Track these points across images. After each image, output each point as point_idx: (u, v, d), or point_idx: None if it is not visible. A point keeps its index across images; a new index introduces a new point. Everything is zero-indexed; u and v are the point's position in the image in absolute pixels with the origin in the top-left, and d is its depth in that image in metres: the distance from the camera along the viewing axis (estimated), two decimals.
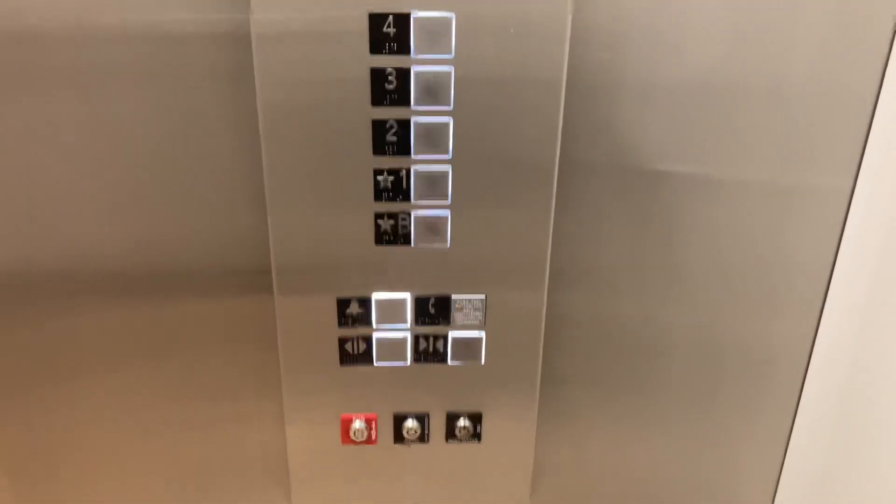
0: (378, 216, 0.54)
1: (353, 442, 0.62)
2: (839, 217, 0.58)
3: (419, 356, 0.60)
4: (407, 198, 0.54)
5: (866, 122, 0.55)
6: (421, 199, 0.54)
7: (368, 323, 0.58)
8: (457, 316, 0.58)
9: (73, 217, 0.55)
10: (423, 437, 0.63)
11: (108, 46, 0.50)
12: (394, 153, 0.52)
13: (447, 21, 0.48)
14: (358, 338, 0.59)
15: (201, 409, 0.63)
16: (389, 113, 0.51)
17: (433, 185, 0.53)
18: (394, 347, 0.59)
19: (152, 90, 0.51)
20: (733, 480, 0.69)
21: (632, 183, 0.56)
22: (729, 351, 0.63)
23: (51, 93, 0.51)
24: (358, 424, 0.62)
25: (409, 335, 0.59)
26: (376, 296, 0.57)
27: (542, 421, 0.63)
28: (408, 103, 0.51)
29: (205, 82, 0.51)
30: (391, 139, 0.52)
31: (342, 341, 0.59)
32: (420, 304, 0.58)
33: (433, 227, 0.55)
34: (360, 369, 0.60)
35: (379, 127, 0.51)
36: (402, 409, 0.62)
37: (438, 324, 0.58)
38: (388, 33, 0.48)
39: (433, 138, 0.52)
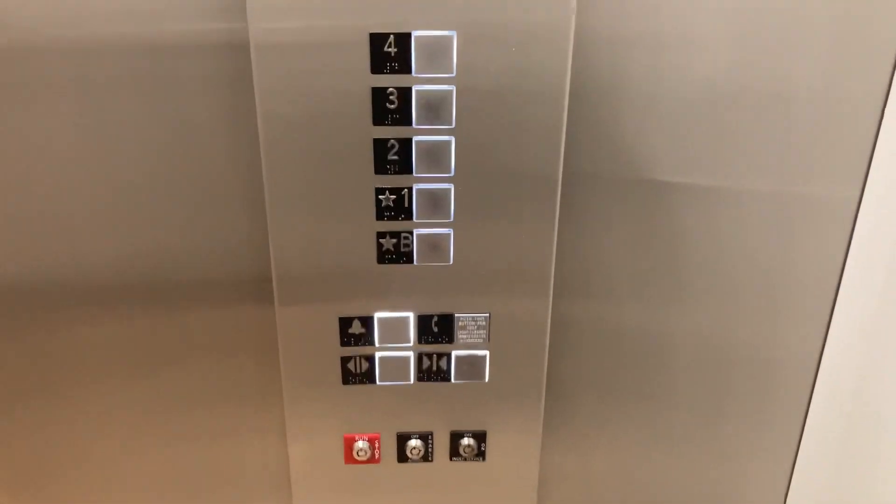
0: (380, 235, 0.54)
1: (357, 461, 0.62)
2: (847, 226, 0.57)
3: (422, 375, 0.59)
4: (409, 216, 0.53)
5: (873, 131, 0.54)
6: (423, 217, 0.53)
7: (371, 342, 0.58)
8: (460, 334, 0.58)
9: (71, 228, 0.55)
10: (426, 457, 0.62)
11: (105, 57, 0.50)
12: (395, 172, 0.52)
13: (448, 40, 0.48)
14: (360, 357, 0.58)
15: (201, 421, 0.63)
16: (391, 132, 0.50)
17: (435, 203, 0.53)
18: (397, 366, 0.59)
19: (149, 100, 0.51)
20: (742, 491, 0.68)
21: (635, 193, 0.56)
22: (736, 361, 0.62)
23: (49, 104, 0.51)
24: (361, 444, 0.61)
25: (412, 354, 0.58)
26: (379, 315, 0.57)
27: (546, 432, 0.63)
28: (409, 122, 0.50)
29: (202, 92, 0.51)
30: (393, 158, 0.51)
31: (344, 360, 0.58)
32: (423, 322, 0.57)
33: (436, 246, 0.54)
34: (363, 388, 0.59)
35: (381, 146, 0.51)
36: (405, 429, 0.61)
37: (441, 342, 0.58)
38: (389, 53, 0.48)
39: (435, 157, 0.52)
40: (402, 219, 0.53)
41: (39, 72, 0.50)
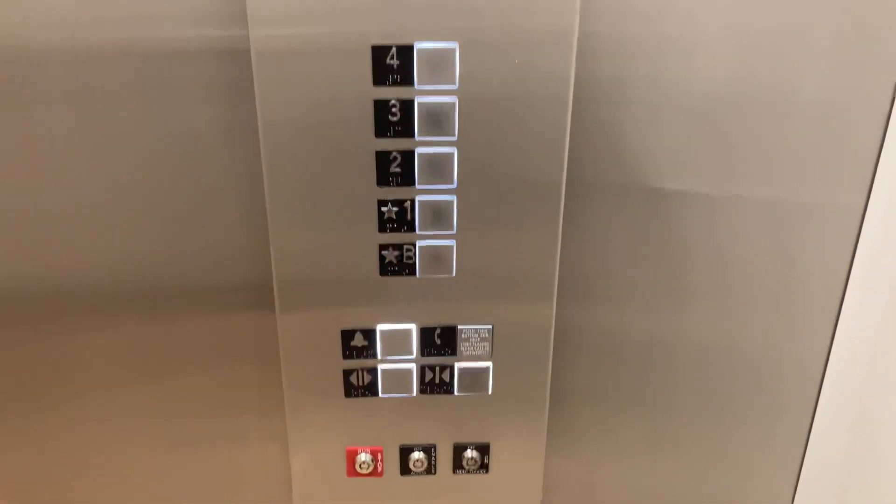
0: (383, 247, 0.53)
1: (360, 474, 0.61)
2: (852, 234, 0.57)
3: (425, 387, 0.59)
4: (412, 228, 0.53)
5: (878, 139, 0.54)
6: (426, 229, 0.53)
7: (373, 354, 0.57)
8: (463, 346, 0.57)
9: (71, 234, 0.55)
10: (430, 469, 0.62)
11: (106, 64, 0.50)
12: (398, 184, 0.51)
13: (451, 51, 0.48)
14: (363, 369, 0.58)
15: (201, 429, 0.63)
16: (393, 144, 0.50)
17: (438, 215, 0.53)
18: (399, 379, 0.58)
19: (149, 107, 0.51)
20: (747, 499, 0.68)
21: (639, 201, 0.56)
22: (740, 369, 0.62)
23: (48, 110, 0.51)
24: (364, 457, 0.61)
25: (414, 366, 0.58)
26: (381, 327, 0.56)
27: (550, 442, 0.63)
28: (412, 134, 0.50)
29: (202, 99, 0.51)
30: (395, 170, 0.51)
31: (347, 373, 0.58)
32: (425, 334, 0.57)
33: (438, 258, 0.54)
34: (366, 401, 0.59)
35: (383, 158, 0.51)
36: (408, 441, 0.61)
37: (444, 354, 0.58)
38: (391, 65, 0.48)
39: (437, 168, 0.51)
40: (405, 230, 0.53)
41: (39, 77, 0.50)
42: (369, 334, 0.57)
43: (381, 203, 0.52)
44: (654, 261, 0.58)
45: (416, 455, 0.61)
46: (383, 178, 0.51)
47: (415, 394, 0.59)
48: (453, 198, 0.52)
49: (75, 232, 0.55)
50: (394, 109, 0.49)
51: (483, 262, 0.54)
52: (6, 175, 0.52)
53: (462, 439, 0.61)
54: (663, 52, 0.51)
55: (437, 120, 0.50)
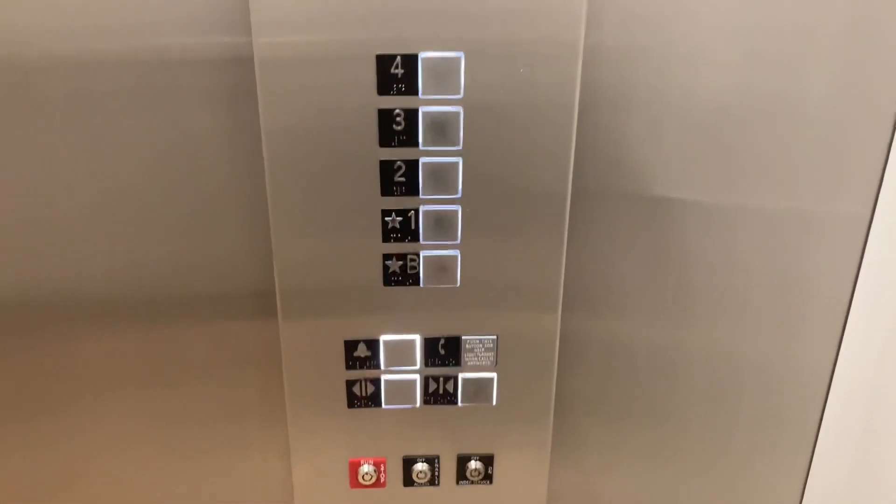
0: (386, 257, 0.53)
1: (362, 485, 0.61)
2: (858, 244, 0.57)
3: (429, 398, 0.58)
4: (416, 238, 0.53)
5: (884, 148, 0.54)
6: (430, 239, 0.53)
7: (377, 365, 0.57)
8: (467, 356, 0.57)
9: (72, 242, 0.54)
10: (433, 481, 0.61)
11: (108, 71, 0.49)
12: (402, 194, 0.51)
13: (456, 61, 0.47)
14: (366, 380, 0.57)
15: (203, 437, 0.62)
16: (397, 154, 0.50)
17: (442, 224, 0.52)
18: (403, 390, 0.58)
19: (151, 114, 0.51)
20: None
21: (643, 210, 0.55)
22: (746, 380, 0.62)
23: (50, 117, 0.50)
24: (367, 468, 0.60)
25: (418, 377, 0.58)
26: (385, 337, 0.56)
27: (554, 452, 0.62)
28: (416, 144, 0.50)
29: (205, 106, 0.51)
30: (399, 180, 0.51)
31: (350, 383, 0.57)
32: (429, 345, 0.56)
33: (443, 268, 0.54)
34: (369, 412, 0.59)
35: (387, 168, 0.50)
36: (411, 452, 0.60)
37: (448, 365, 0.57)
38: (396, 74, 0.47)
39: (442, 178, 0.51)
40: (409, 240, 0.53)
41: (41, 85, 0.50)
42: (372, 345, 0.56)
43: (385, 213, 0.52)
44: (658, 270, 0.57)
45: (420, 466, 0.60)
46: (387, 188, 0.51)
47: (418, 405, 0.58)
48: (457, 207, 0.52)
49: (77, 239, 0.54)
50: (398, 119, 0.49)
51: (487, 272, 0.54)
52: (9, 182, 0.52)
53: (466, 450, 0.61)
54: (668, 62, 0.51)
55: (442, 129, 0.49)
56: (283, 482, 0.64)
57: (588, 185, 0.54)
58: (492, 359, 0.57)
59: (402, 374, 0.57)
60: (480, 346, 0.56)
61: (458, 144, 0.50)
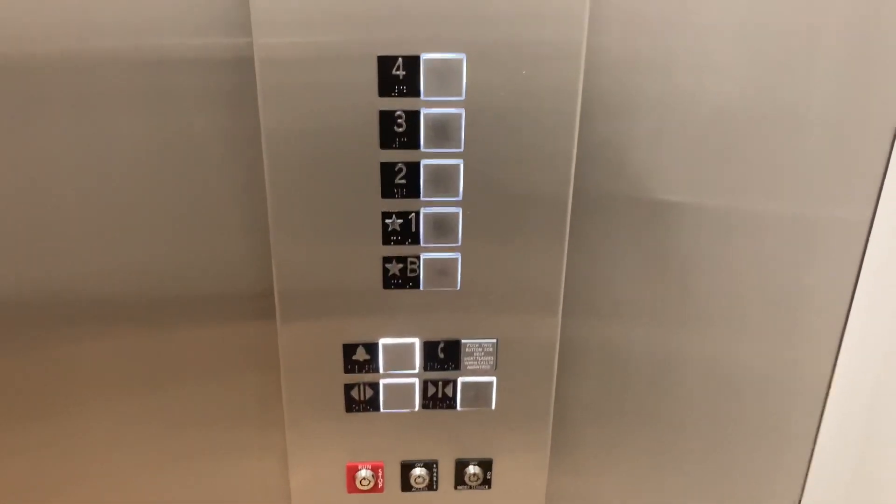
0: (386, 260, 0.53)
1: (360, 490, 0.60)
2: (858, 249, 0.57)
3: (427, 402, 0.58)
4: (416, 241, 0.52)
5: (885, 154, 0.54)
6: (430, 241, 0.52)
7: (375, 369, 0.56)
8: (466, 360, 0.57)
9: (69, 243, 0.54)
10: (431, 485, 0.61)
11: (106, 71, 0.49)
12: (403, 196, 0.51)
13: (458, 63, 0.47)
14: (364, 384, 0.57)
15: (200, 439, 0.62)
16: (398, 156, 0.50)
17: (443, 227, 0.52)
18: (402, 394, 0.57)
19: (149, 114, 0.50)
20: None
21: (645, 214, 0.55)
22: (744, 383, 0.62)
23: (47, 117, 0.50)
24: (364, 472, 0.60)
25: (417, 381, 0.57)
26: (384, 341, 0.56)
27: (553, 457, 0.62)
28: (417, 146, 0.49)
29: (203, 107, 0.50)
30: (400, 182, 0.50)
31: (348, 387, 0.57)
32: (429, 349, 0.56)
33: (443, 271, 0.53)
34: (367, 416, 0.58)
35: (388, 169, 0.50)
36: (409, 457, 0.60)
37: (448, 369, 0.57)
38: (398, 76, 0.47)
39: (443, 180, 0.51)
40: (409, 243, 0.52)
41: (38, 84, 0.49)
42: (371, 348, 0.56)
43: (386, 215, 0.51)
44: (658, 275, 0.57)
45: (418, 471, 0.60)
46: (388, 191, 0.50)
47: (417, 409, 0.58)
48: (458, 210, 0.52)
49: (75, 239, 0.54)
50: (399, 120, 0.48)
51: (487, 276, 0.54)
52: (6, 182, 0.52)
53: (464, 455, 0.60)
54: (670, 67, 0.51)
55: (443, 132, 0.49)
56: (281, 486, 0.63)
57: (590, 189, 0.54)
58: (491, 363, 0.57)
59: (401, 377, 0.57)
60: (480, 349, 0.56)
61: (460, 147, 0.50)
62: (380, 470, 0.60)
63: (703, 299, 0.58)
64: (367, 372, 0.56)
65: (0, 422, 0.60)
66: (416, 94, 0.48)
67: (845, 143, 0.53)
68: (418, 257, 0.53)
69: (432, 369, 0.57)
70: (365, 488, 0.60)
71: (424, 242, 0.52)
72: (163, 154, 0.52)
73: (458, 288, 0.54)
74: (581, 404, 0.62)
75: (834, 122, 0.53)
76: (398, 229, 0.52)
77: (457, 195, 0.51)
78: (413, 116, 0.48)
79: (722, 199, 0.55)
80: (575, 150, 0.50)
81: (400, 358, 0.56)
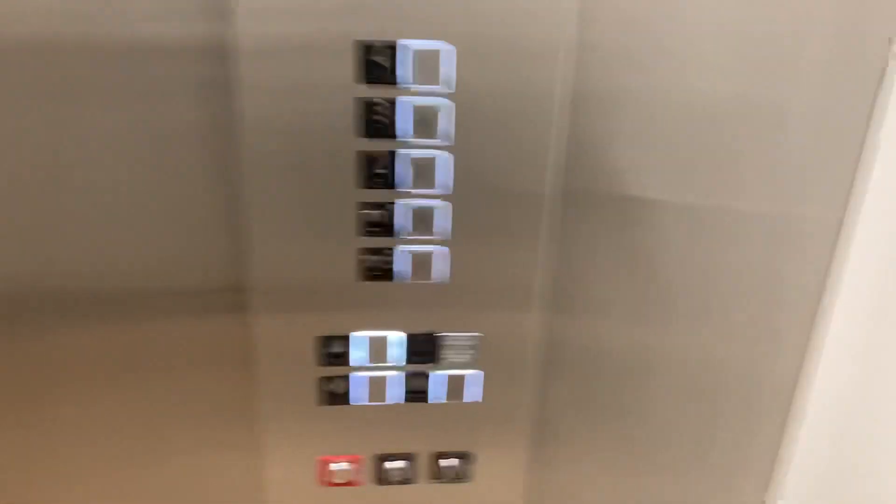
0: (362, 252, 0.52)
1: (336, 484, 0.60)
2: (831, 247, 0.57)
3: (405, 395, 0.57)
4: (392, 233, 0.51)
5: (857, 154, 0.54)
6: (406, 234, 0.52)
7: (350, 362, 0.56)
8: (444, 354, 0.56)
9: (42, 235, 0.52)
10: (408, 479, 0.60)
11: (81, 59, 0.47)
12: (380, 186, 0.50)
13: (438, 52, 0.46)
14: (339, 377, 0.56)
15: (173, 434, 0.60)
16: (377, 145, 0.49)
17: (420, 219, 0.51)
18: (378, 387, 0.57)
19: (124, 105, 0.49)
20: None
21: (626, 212, 0.55)
22: (724, 380, 0.62)
23: (20, 106, 0.48)
24: (340, 466, 0.59)
25: (394, 374, 0.56)
26: (359, 334, 0.55)
27: (532, 449, 0.62)
28: (395, 136, 0.48)
29: (178, 97, 0.49)
30: (378, 172, 0.49)
31: (323, 381, 0.56)
32: (407, 342, 0.55)
33: (419, 263, 0.53)
34: (343, 409, 0.57)
35: (366, 160, 0.49)
36: (386, 450, 0.59)
37: (424, 362, 0.56)
38: (378, 63, 0.46)
39: (421, 172, 0.50)
40: (386, 235, 0.52)
41: (10, 72, 0.47)
42: (346, 341, 0.55)
43: (362, 206, 0.50)
44: (639, 272, 0.57)
45: (394, 464, 0.59)
46: (365, 181, 0.50)
47: (394, 402, 0.57)
48: (436, 203, 0.51)
49: (47, 233, 0.52)
50: (378, 109, 0.47)
51: (465, 269, 0.53)
52: None
53: (442, 448, 0.60)
54: (656, 65, 0.51)
55: (423, 122, 0.48)
56: (255, 481, 0.62)
57: (574, 186, 0.53)
58: (471, 357, 0.56)
59: (378, 370, 0.56)
60: (459, 343, 0.56)
61: (439, 138, 0.49)
62: (356, 463, 0.59)
63: (681, 296, 0.58)
64: (342, 365, 0.56)
65: None
66: (396, 82, 0.47)
67: (824, 143, 0.54)
68: (394, 250, 0.52)
69: (410, 362, 0.56)
70: (341, 482, 0.59)
71: (401, 234, 0.52)
72: (135, 145, 0.50)
73: (435, 281, 0.53)
74: (560, 399, 0.62)
75: (810, 123, 0.53)
76: (375, 221, 0.51)
77: (433, 187, 0.50)
78: (392, 105, 0.48)
79: (704, 197, 0.55)
80: (552, 147, 0.50)
81: (376, 351, 0.56)
